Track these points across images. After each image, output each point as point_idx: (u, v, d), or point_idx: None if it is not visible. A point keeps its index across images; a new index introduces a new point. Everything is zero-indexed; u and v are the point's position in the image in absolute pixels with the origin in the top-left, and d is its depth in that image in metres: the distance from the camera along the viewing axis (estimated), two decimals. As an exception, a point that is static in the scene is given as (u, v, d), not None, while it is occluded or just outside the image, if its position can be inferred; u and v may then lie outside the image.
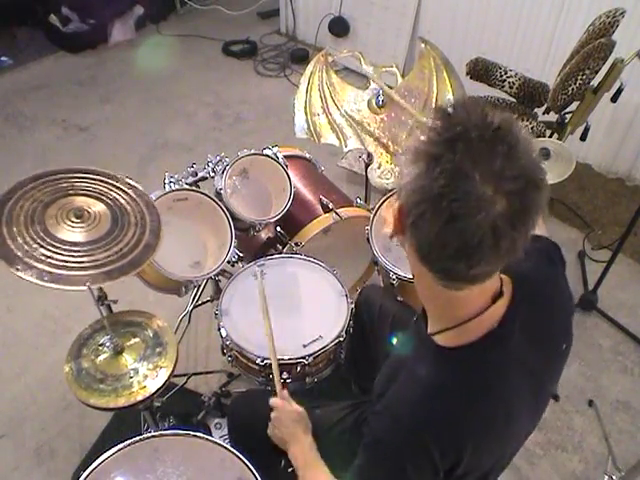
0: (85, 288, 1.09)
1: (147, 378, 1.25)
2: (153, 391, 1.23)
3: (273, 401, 1.23)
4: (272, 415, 1.20)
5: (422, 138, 0.72)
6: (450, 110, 0.72)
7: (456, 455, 0.83)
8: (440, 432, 0.82)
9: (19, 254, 1.07)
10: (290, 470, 1.20)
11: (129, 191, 1.29)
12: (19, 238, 1.09)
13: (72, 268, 1.09)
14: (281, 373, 1.41)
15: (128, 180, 1.31)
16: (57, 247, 1.11)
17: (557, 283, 0.96)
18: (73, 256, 1.11)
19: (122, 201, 1.26)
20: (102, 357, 1.28)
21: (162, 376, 1.25)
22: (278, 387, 1.28)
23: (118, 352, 1.28)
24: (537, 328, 0.89)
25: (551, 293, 0.94)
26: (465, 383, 0.84)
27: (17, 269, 1.05)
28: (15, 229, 1.10)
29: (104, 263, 1.13)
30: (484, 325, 0.84)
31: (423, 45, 2.07)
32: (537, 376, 0.91)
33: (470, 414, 0.83)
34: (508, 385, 0.86)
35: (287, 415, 1.19)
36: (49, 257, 1.09)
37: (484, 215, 0.67)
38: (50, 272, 1.07)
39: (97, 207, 1.21)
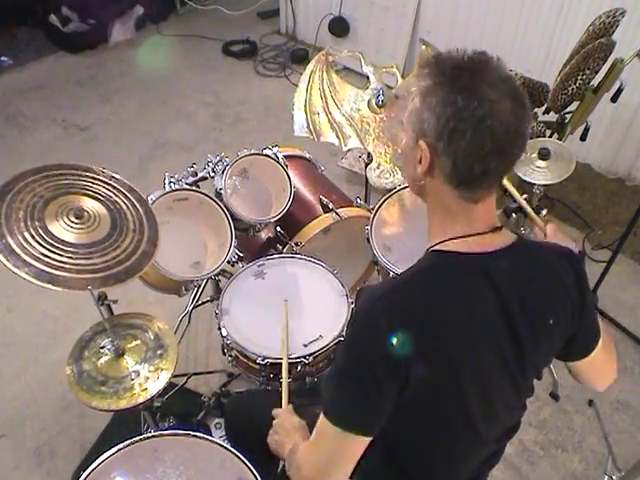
0: (81, 292, 1.08)
1: (148, 380, 1.25)
2: (154, 393, 1.23)
3: (276, 411, 1.24)
4: (274, 422, 1.21)
5: (424, 80, 0.89)
6: (437, 56, 0.91)
7: (409, 361, 0.86)
8: (396, 311, 0.89)
9: (17, 250, 1.06)
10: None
11: (130, 196, 1.28)
12: (18, 234, 1.08)
13: (69, 270, 1.09)
14: (281, 373, 1.42)
15: (130, 184, 1.31)
16: (56, 247, 1.11)
17: (553, 266, 0.99)
18: (71, 258, 1.11)
19: (122, 206, 1.25)
20: (103, 359, 1.28)
21: (163, 378, 1.25)
22: (285, 401, 1.28)
23: (119, 354, 1.28)
24: (522, 283, 0.95)
25: (542, 265, 0.99)
26: (433, 280, 0.92)
27: (14, 265, 1.04)
28: (14, 224, 1.09)
29: (101, 268, 1.13)
30: (478, 247, 0.93)
31: (423, 47, 2.07)
32: (518, 327, 0.94)
33: (428, 312, 0.89)
34: (476, 302, 0.92)
35: (289, 421, 1.20)
36: (47, 256, 1.08)
37: (501, 112, 0.84)
38: (47, 272, 1.07)
39: (97, 209, 1.21)
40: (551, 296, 0.98)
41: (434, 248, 0.95)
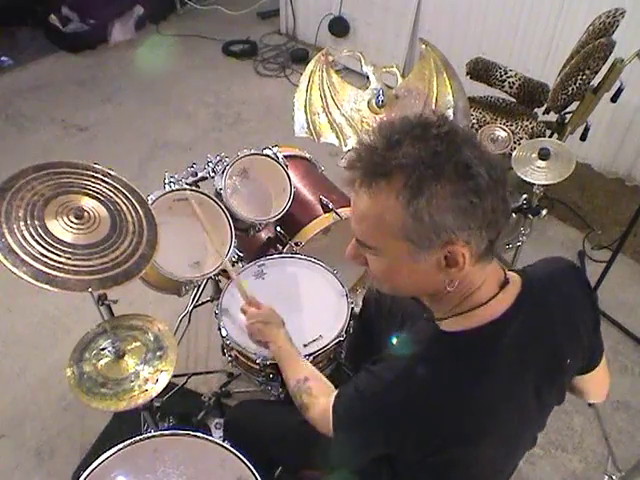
0: (80, 293, 1.08)
1: (148, 382, 1.25)
2: (154, 395, 1.23)
3: (242, 308, 1.39)
4: (245, 322, 1.34)
5: (402, 195, 0.74)
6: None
7: (435, 439, 0.85)
8: (415, 404, 0.84)
9: (16, 249, 1.06)
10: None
11: (131, 197, 1.28)
12: (17, 233, 1.07)
13: (68, 271, 1.09)
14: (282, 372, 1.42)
15: (131, 185, 1.30)
16: (55, 247, 1.10)
17: (565, 291, 0.95)
18: (70, 259, 1.10)
19: (123, 207, 1.25)
20: (103, 361, 1.28)
21: (163, 379, 1.25)
22: (243, 295, 1.41)
23: (119, 356, 1.28)
24: (538, 334, 0.89)
25: (557, 301, 0.93)
26: (459, 364, 0.84)
27: (13, 265, 1.03)
28: (14, 222, 1.08)
29: (99, 270, 1.12)
30: (490, 313, 0.85)
31: (424, 46, 2.07)
32: (536, 381, 0.91)
33: (458, 397, 0.84)
34: (501, 377, 0.87)
35: (258, 318, 1.33)
36: (45, 256, 1.08)
37: (492, 162, 0.77)
38: (46, 272, 1.06)
39: (97, 209, 1.20)
40: (569, 334, 0.93)
41: (444, 327, 0.88)
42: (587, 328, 0.96)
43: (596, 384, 1.08)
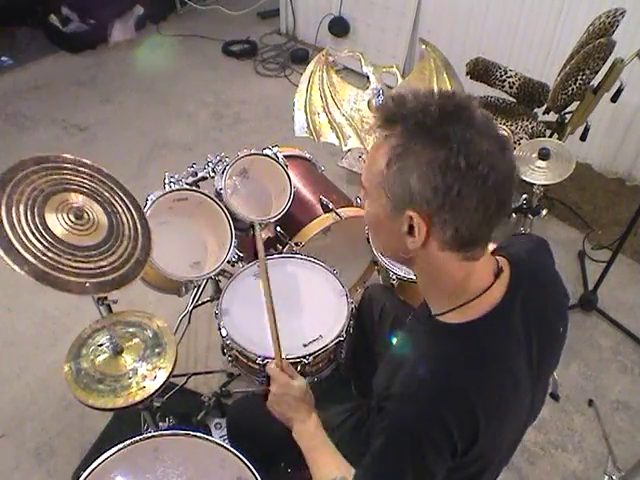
0: (78, 295, 1.08)
1: (146, 379, 1.24)
2: (152, 392, 1.22)
3: (271, 370, 1.17)
4: (272, 389, 1.15)
5: (397, 139, 0.78)
6: (404, 107, 0.80)
7: (472, 427, 0.83)
8: (454, 403, 0.82)
9: (17, 245, 1.05)
10: (289, 471, 1.20)
11: (126, 200, 1.27)
12: (18, 229, 1.07)
13: (69, 273, 1.08)
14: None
15: (126, 188, 1.30)
16: (55, 246, 1.10)
17: (547, 267, 1.00)
18: (69, 259, 1.10)
19: (119, 209, 1.24)
20: (101, 357, 1.27)
21: (161, 377, 1.25)
22: (277, 355, 1.23)
23: (118, 352, 1.28)
24: (534, 307, 0.92)
25: (543, 276, 0.97)
26: (472, 354, 0.86)
27: (13, 261, 1.03)
28: (14, 217, 1.07)
29: (97, 274, 1.12)
30: (488, 302, 0.87)
31: (424, 47, 2.07)
32: (536, 355, 0.93)
33: (480, 383, 0.84)
34: (512, 358, 0.89)
35: (288, 391, 1.14)
36: (45, 255, 1.07)
37: (498, 162, 0.77)
38: (46, 272, 1.06)
39: (96, 211, 1.20)
40: (557, 305, 0.98)
41: (446, 321, 0.89)
42: (566, 301, 1.02)
43: None
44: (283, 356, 1.25)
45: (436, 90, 0.80)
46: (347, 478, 0.96)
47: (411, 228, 0.81)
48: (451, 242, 0.81)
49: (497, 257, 0.93)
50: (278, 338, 1.27)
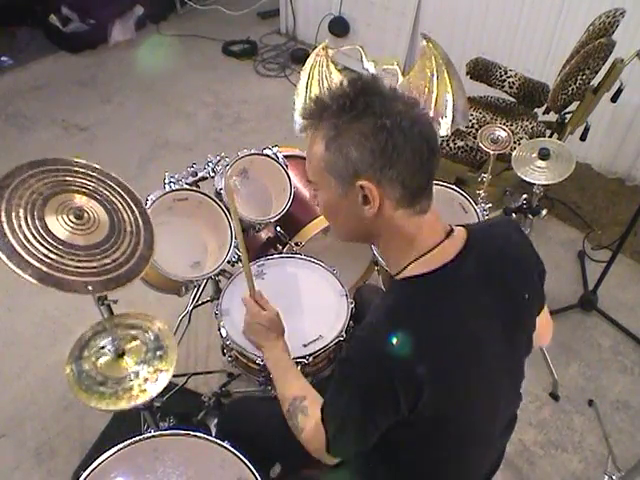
0: (84, 295, 1.08)
1: (147, 381, 1.24)
2: (153, 394, 1.22)
3: (244, 300, 1.32)
4: (245, 318, 1.28)
5: (327, 127, 0.89)
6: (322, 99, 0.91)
7: (415, 373, 0.85)
8: (394, 345, 0.86)
9: (19, 250, 1.05)
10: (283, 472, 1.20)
11: (126, 196, 1.27)
12: (19, 233, 1.07)
13: (73, 273, 1.09)
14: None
15: (126, 184, 1.30)
16: (57, 248, 1.10)
17: (510, 237, 1.04)
18: (72, 259, 1.10)
19: (119, 206, 1.24)
20: (103, 359, 1.27)
21: (162, 379, 1.25)
22: (250, 287, 1.33)
23: (119, 355, 1.28)
24: (492, 271, 0.97)
25: (503, 242, 1.02)
26: (418, 302, 0.91)
27: (17, 266, 1.03)
28: (15, 222, 1.08)
29: (102, 272, 1.12)
30: (441, 258, 0.93)
31: (425, 42, 2.06)
32: (500, 318, 0.96)
33: (424, 329, 0.88)
34: (464, 312, 0.93)
35: (258, 320, 1.28)
36: (48, 257, 1.08)
37: (417, 116, 0.88)
38: (50, 274, 1.06)
39: (96, 209, 1.20)
40: (520, 272, 1.01)
41: (402, 276, 0.95)
42: (535, 273, 1.05)
43: (540, 328, 1.13)
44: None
45: (346, 82, 0.91)
46: (306, 397, 1.09)
47: (365, 198, 0.89)
48: (402, 197, 0.89)
49: (456, 227, 0.99)
50: (250, 272, 1.35)
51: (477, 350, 0.93)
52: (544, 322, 1.13)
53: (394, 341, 0.85)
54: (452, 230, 0.96)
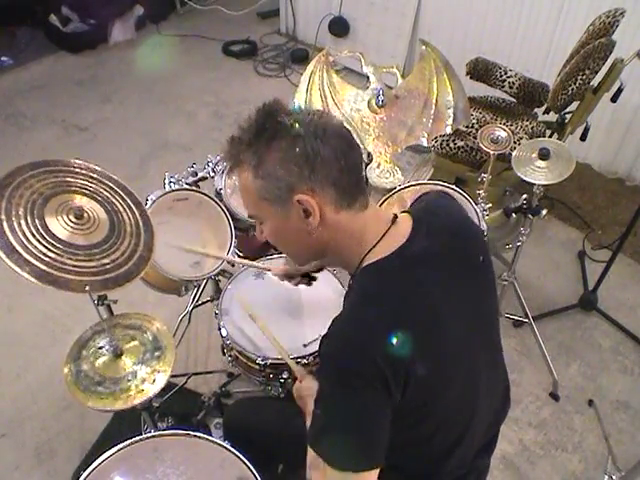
0: (81, 294, 1.08)
1: (145, 382, 1.24)
2: (151, 395, 1.22)
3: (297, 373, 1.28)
4: (299, 392, 1.24)
5: (244, 175, 0.93)
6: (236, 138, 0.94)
7: (402, 363, 0.86)
8: (369, 332, 0.87)
9: (18, 248, 1.05)
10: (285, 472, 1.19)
11: (126, 198, 1.27)
12: (18, 231, 1.07)
13: (70, 272, 1.09)
14: (281, 372, 1.42)
15: (126, 185, 1.30)
16: (56, 247, 1.10)
17: (446, 206, 1.07)
18: (71, 259, 1.10)
19: (119, 207, 1.24)
20: (101, 360, 1.28)
21: (160, 380, 1.25)
22: (295, 368, 1.30)
23: (117, 355, 1.28)
24: (443, 244, 0.98)
25: (442, 211, 1.06)
26: (381, 286, 0.92)
27: (16, 264, 1.03)
28: (15, 220, 1.08)
29: (100, 271, 1.12)
30: (392, 243, 0.95)
31: (424, 47, 2.07)
32: (464, 287, 0.99)
33: (397, 315, 0.89)
34: (428, 286, 0.94)
35: (309, 392, 1.20)
36: (47, 256, 1.08)
37: (323, 116, 0.92)
38: (48, 272, 1.06)
39: (97, 210, 1.20)
40: (469, 237, 1.04)
41: (362, 266, 0.96)
42: (480, 234, 1.10)
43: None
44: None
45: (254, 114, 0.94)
46: None
47: (305, 211, 0.91)
48: (338, 198, 0.92)
49: (400, 214, 1.01)
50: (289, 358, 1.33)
51: (447, 324, 0.94)
52: None
53: (369, 329, 0.86)
54: (396, 217, 0.99)
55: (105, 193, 1.24)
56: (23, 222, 1.09)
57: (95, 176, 1.26)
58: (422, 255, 0.95)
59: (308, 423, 1.13)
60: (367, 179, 0.97)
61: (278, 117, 0.90)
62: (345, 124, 0.94)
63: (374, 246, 0.95)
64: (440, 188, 1.12)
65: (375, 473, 0.89)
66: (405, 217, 1.00)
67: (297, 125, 0.89)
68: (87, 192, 1.22)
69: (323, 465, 0.90)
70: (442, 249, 0.97)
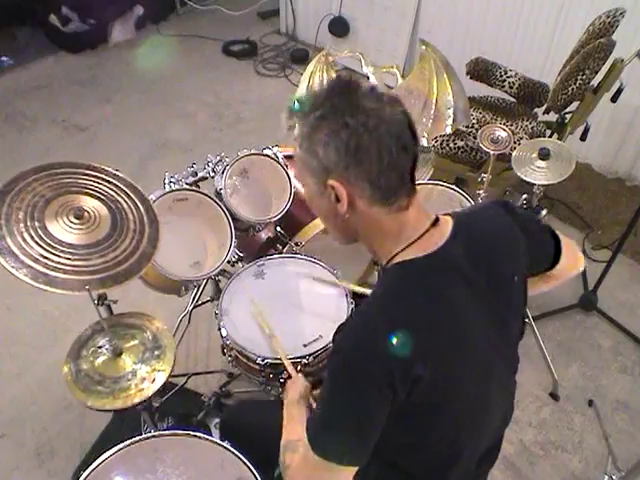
0: (79, 293, 1.08)
1: (145, 381, 1.24)
2: (150, 394, 1.22)
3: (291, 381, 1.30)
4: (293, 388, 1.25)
5: (299, 128, 0.92)
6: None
7: (412, 364, 0.85)
8: (385, 331, 0.86)
9: (15, 251, 1.06)
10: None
11: (132, 194, 1.27)
12: (17, 235, 1.07)
13: (67, 272, 1.09)
14: (281, 373, 1.42)
15: (132, 182, 1.30)
16: (54, 248, 1.10)
17: (495, 219, 1.05)
18: (69, 259, 1.10)
19: (124, 204, 1.24)
20: (101, 359, 1.28)
21: (159, 379, 1.25)
22: (291, 369, 1.34)
23: (117, 354, 1.28)
24: (480, 256, 0.97)
25: (488, 228, 1.03)
26: (408, 286, 0.92)
27: (12, 267, 1.04)
28: (14, 224, 1.08)
29: (99, 270, 1.12)
30: (429, 244, 0.94)
31: (423, 47, 2.07)
32: (492, 301, 0.97)
33: (418, 316, 0.89)
34: (456, 296, 0.93)
35: (295, 383, 1.25)
36: (45, 257, 1.08)
37: (388, 114, 0.88)
38: (45, 274, 1.06)
39: (98, 208, 1.20)
40: (506, 253, 1.02)
41: (392, 262, 0.95)
42: (521, 251, 1.04)
43: (569, 260, 1.14)
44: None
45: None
46: (302, 439, 0.98)
47: (336, 196, 0.91)
48: (373, 195, 0.90)
49: (441, 216, 0.99)
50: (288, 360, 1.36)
51: (467, 333, 0.94)
52: (570, 254, 1.14)
53: (385, 327, 0.86)
54: (438, 219, 0.97)
55: (109, 191, 1.24)
56: (22, 225, 1.09)
57: (100, 175, 1.26)
58: (454, 261, 0.94)
59: (285, 405, 1.19)
60: (414, 179, 0.94)
61: (339, 97, 0.88)
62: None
63: (409, 245, 0.94)
64: (495, 198, 1.10)
65: (352, 472, 0.91)
66: (447, 220, 0.99)
67: (350, 114, 0.87)
68: (89, 191, 1.22)
69: (304, 449, 0.92)
70: (475, 260, 0.96)
